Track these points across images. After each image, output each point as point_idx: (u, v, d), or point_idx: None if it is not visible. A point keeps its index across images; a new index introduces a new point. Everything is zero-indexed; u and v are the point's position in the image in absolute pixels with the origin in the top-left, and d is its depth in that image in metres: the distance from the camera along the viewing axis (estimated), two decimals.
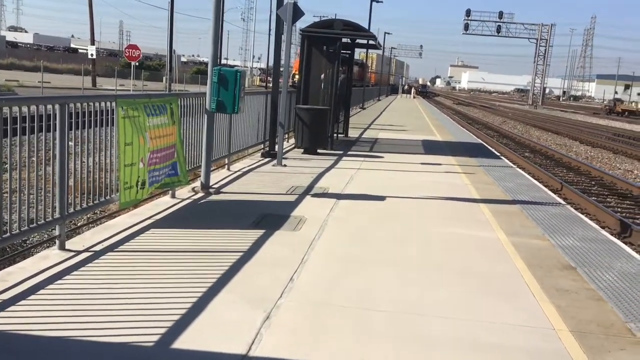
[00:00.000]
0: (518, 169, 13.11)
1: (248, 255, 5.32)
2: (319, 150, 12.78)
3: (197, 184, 8.08)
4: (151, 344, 3.53)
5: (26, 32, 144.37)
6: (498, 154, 16.13)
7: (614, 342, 4.04)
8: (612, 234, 8.02)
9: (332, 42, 13.33)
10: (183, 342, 3.57)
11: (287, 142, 13.71)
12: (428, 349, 3.75)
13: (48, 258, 4.90)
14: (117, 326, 3.71)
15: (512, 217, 7.64)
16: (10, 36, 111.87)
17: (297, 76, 25.47)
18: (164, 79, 46.77)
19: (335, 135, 14.68)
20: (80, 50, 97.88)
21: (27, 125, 4.68)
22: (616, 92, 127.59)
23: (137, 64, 36.81)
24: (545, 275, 5.35)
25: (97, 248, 5.23)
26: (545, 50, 76.91)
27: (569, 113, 67.42)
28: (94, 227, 6.24)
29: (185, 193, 7.72)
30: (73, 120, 5.21)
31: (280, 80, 11.95)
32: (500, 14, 75.26)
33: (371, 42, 15.70)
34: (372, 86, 52.72)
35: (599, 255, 6.14)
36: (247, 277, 4.77)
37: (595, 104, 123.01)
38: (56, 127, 4.98)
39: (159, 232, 5.90)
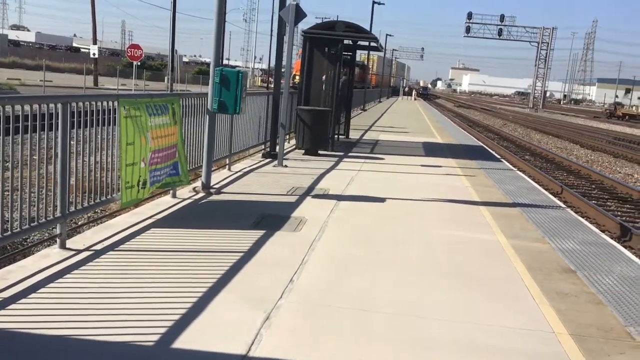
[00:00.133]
0: (518, 172, 13.12)
1: (248, 255, 5.33)
2: (319, 152, 12.78)
3: (198, 184, 8.08)
4: (151, 343, 3.53)
5: (28, 30, 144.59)
6: (498, 157, 16.14)
7: (613, 346, 4.04)
8: (612, 238, 8.02)
9: (334, 43, 13.35)
10: (183, 342, 3.57)
11: (288, 143, 13.72)
12: (427, 351, 3.76)
13: (49, 257, 4.90)
14: (117, 325, 3.71)
15: (513, 220, 7.65)
16: (13, 35, 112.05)
17: (297, 77, 25.46)
18: (166, 78, 46.78)
19: (336, 136, 14.69)
20: (82, 50, 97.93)
21: (29, 124, 4.69)
22: (617, 96, 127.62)
23: (139, 63, 36.87)
24: (545, 279, 5.35)
25: (98, 247, 5.24)
26: (547, 53, 76.92)
27: (570, 116, 67.44)
28: (94, 226, 6.24)
29: (186, 193, 7.73)
30: (75, 119, 5.22)
31: (281, 81, 11.97)
32: (502, 17, 75.23)
33: (373, 44, 15.70)
34: (373, 88, 52.74)
35: (599, 259, 6.15)
36: (247, 277, 4.78)
37: (596, 108, 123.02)
38: (58, 126, 4.99)
39: (160, 231, 5.91)
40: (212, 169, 8.41)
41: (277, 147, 11.27)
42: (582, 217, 9.22)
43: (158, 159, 6.40)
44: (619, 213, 11.86)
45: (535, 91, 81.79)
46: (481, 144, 20.19)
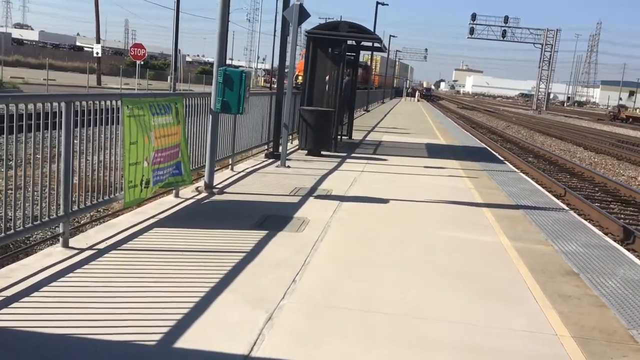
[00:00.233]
0: (521, 174, 13.10)
1: (251, 255, 5.33)
2: (322, 152, 12.78)
3: (201, 183, 8.09)
4: (153, 343, 3.53)
5: (32, 29, 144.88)
6: (502, 159, 16.12)
7: (616, 349, 4.03)
8: (615, 241, 8.00)
9: (338, 44, 13.35)
10: (185, 342, 3.57)
11: (291, 143, 13.72)
12: (430, 352, 3.75)
13: (51, 255, 4.91)
14: (119, 324, 3.71)
15: (515, 222, 7.63)
16: (16, 33, 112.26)
17: (300, 77, 25.43)
18: (169, 78, 46.84)
19: (339, 137, 14.68)
20: (85, 49, 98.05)
21: (32, 122, 4.69)
22: (620, 99, 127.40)
23: (142, 63, 36.90)
24: (548, 281, 5.34)
25: (101, 246, 5.24)
26: (550, 55, 76.85)
27: (573, 119, 67.35)
28: (97, 225, 6.25)
29: (188, 193, 7.73)
30: (79, 118, 5.22)
31: (285, 82, 11.96)
32: (506, 19, 75.16)
33: (376, 44, 15.71)
34: (376, 89, 52.72)
35: (602, 262, 6.13)
36: (250, 277, 4.78)
37: (600, 110, 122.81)
38: (62, 124, 5.00)
39: (162, 231, 5.91)
40: (215, 168, 8.41)
41: (280, 148, 11.27)
42: (585, 220, 9.20)
43: (161, 158, 6.40)
44: (622, 216, 11.83)
45: (539, 93, 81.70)
46: (484, 145, 20.17)
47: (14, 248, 6.96)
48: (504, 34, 75.28)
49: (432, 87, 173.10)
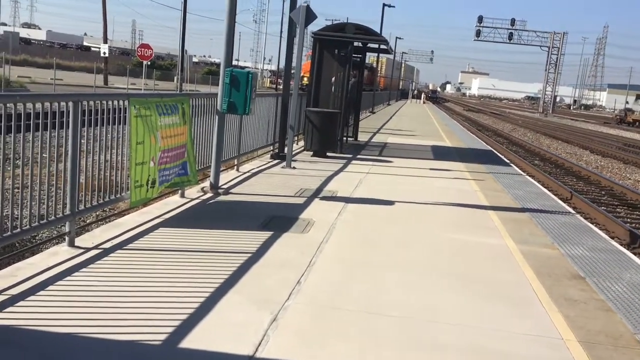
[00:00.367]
0: (528, 177, 13.06)
1: (256, 256, 5.33)
2: (328, 154, 12.78)
3: (207, 184, 8.10)
4: (158, 342, 3.53)
5: (39, 29, 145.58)
6: (508, 162, 16.08)
7: (622, 354, 4.01)
8: (621, 245, 7.97)
9: (344, 45, 13.35)
10: (190, 342, 3.57)
11: (297, 144, 13.73)
12: (434, 355, 3.74)
13: (57, 254, 4.92)
14: (125, 324, 3.72)
15: (521, 225, 7.61)
16: (24, 33, 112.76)
17: (305, 79, 25.40)
18: (175, 78, 46.98)
19: (344, 138, 14.68)
20: (92, 49, 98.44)
21: (40, 121, 4.71)
22: (627, 102, 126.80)
23: (149, 63, 37.01)
24: (554, 284, 5.32)
25: (107, 245, 5.25)
26: (557, 58, 76.62)
27: (580, 122, 67.12)
28: (103, 224, 6.26)
29: (194, 193, 7.74)
30: (86, 117, 5.24)
31: (291, 83, 11.97)
32: (513, 21, 75.01)
33: (383, 46, 15.69)
34: (382, 91, 52.69)
35: (608, 266, 6.10)
36: (255, 278, 4.78)
37: (606, 114, 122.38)
38: (69, 124, 5.01)
39: (168, 231, 5.92)
40: (221, 169, 8.42)
41: (286, 149, 11.27)
42: (592, 223, 9.17)
43: (167, 158, 6.41)
44: (629, 220, 11.78)
45: (545, 96, 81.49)
46: (490, 148, 20.12)
47: (20, 247, 6.99)
48: (510, 36, 75.12)
49: (438, 89, 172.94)
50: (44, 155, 4.84)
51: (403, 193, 9.13)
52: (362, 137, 17.70)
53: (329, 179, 9.83)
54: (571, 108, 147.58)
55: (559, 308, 4.74)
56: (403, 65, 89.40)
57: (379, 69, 52.46)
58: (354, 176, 10.40)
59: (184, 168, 7.04)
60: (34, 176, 4.78)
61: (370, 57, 44.71)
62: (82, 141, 5.24)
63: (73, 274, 4.51)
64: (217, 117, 7.90)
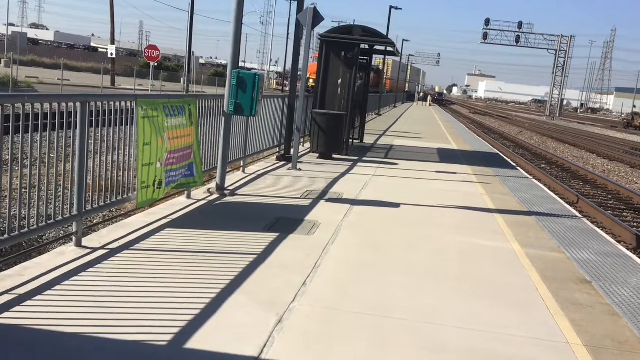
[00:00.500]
0: (534, 180, 13.02)
1: (262, 258, 5.33)
2: (334, 155, 12.79)
3: (213, 185, 8.12)
4: (164, 343, 3.54)
5: (47, 29, 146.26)
6: (514, 165, 16.04)
7: (628, 358, 3.99)
8: (628, 249, 7.94)
9: (351, 47, 13.35)
10: (196, 342, 3.58)
11: (303, 146, 13.74)
12: (440, 358, 3.73)
13: (64, 254, 4.94)
14: (131, 324, 3.73)
15: (528, 229, 7.59)
16: (32, 33, 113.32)
17: (311, 80, 25.39)
18: (182, 80, 47.10)
19: (350, 140, 14.69)
20: (100, 49, 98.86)
21: (48, 122, 4.73)
22: (634, 106, 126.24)
23: (156, 64, 37.11)
24: (560, 288, 5.30)
25: (113, 246, 5.27)
26: (564, 61, 76.37)
27: (587, 125, 66.90)
28: (110, 225, 6.29)
29: (200, 194, 7.76)
30: (94, 118, 5.26)
31: (297, 84, 11.99)
32: (520, 24, 74.81)
33: (389, 48, 15.69)
34: (388, 93, 52.68)
35: (614, 270, 6.08)
36: (260, 279, 4.78)
37: (613, 117, 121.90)
38: (76, 124, 5.03)
39: (174, 232, 5.93)
40: (227, 170, 8.44)
41: (292, 150, 11.28)
42: (598, 227, 9.14)
43: (174, 159, 6.43)
44: (635, 224, 11.73)
45: (552, 99, 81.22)
46: (497, 151, 20.08)
47: (27, 246, 7.02)
48: (517, 39, 74.90)
49: (444, 91, 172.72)
50: (51, 155, 4.86)
51: (409, 195, 9.13)
52: (368, 140, 17.70)
53: (335, 181, 9.84)
54: (578, 111, 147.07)
55: (565, 312, 4.73)
56: (409, 67, 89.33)
57: (385, 71, 52.46)
58: (360, 178, 10.40)
59: (190, 169, 7.06)
60: (41, 176, 4.80)
61: (377, 59, 44.78)
62: (90, 142, 5.27)
63: (80, 274, 4.53)
64: (223, 118, 7.92)
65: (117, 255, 5.03)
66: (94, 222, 7.77)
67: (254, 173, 9.99)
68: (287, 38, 62.37)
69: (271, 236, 6.05)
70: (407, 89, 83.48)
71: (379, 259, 5.69)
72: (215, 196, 7.75)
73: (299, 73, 12.69)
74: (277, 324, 3.97)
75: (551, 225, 7.98)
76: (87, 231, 5.99)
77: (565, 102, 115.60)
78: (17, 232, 4.49)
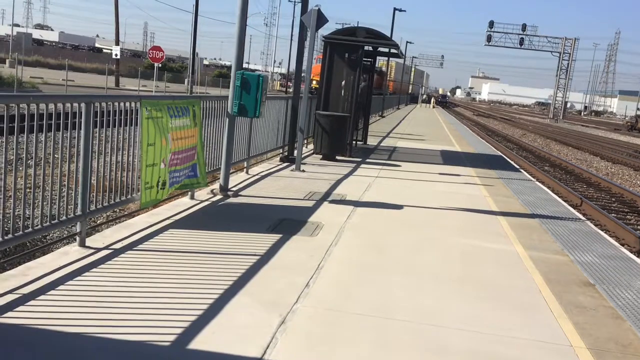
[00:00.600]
0: (537, 183, 13.00)
1: (265, 259, 5.34)
2: (337, 157, 12.79)
3: (216, 186, 8.13)
4: (167, 343, 3.55)
5: (52, 30, 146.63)
6: (517, 167, 16.02)
7: None
8: (631, 252, 7.92)
9: (355, 49, 13.36)
10: (199, 343, 3.59)
11: (306, 147, 13.75)
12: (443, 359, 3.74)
13: (68, 254, 4.95)
14: (134, 324, 3.74)
15: (531, 231, 7.58)
16: (37, 34, 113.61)
17: (314, 82, 25.36)
18: (186, 81, 47.17)
19: (354, 142, 14.69)
20: (104, 50, 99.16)
21: (52, 122, 4.75)
22: (638, 109, 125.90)
23: (160, 65, 37.16)
24: (564, 291, 5.29)
25: (117, 246, 5.28)
26: (568, 64, 76.24)
27: (590, 128, 66.77)
28: (113, 225, 6.30)
29: (204, 195, 7.77)
30: (98, 119, 5.27)
31: (301, 86, 11.99)
32: (524, 27, 74.75)
33: (393, 50, 15.69)
34: (391, 95, 52.67)
35: (618, 273, 6.07)
36: (263, 280, 4.79)
37: (617, 120, 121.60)
38: (81, 125, 5.05)
39: (178, 232, 5.94)
40: (230, 171, 8.45)
41: (295, 152, 11.29)
42: (602, 230, 9.12)
43: (178, 160, 6.44)
44: (639, 227, 11.70)
45: (556, 102, 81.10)
46: (500, 153, 20.06)
47: (31, 246, 7.03)
48: (521, 42, 74.84)
49: (448, 93, 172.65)
50: (56, 155, 4.88)
51: (412, 197, 9.13)
52: (372, 141, 17.70)
53: (338, 183, 9.84)
54: (582, 114, 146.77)
55: (569, 315, 4.72)
56: (413, 69, 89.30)
57: (388, 73, 52.45)
58: (363, 180, 10.40)
59: (194, 170, 7.07)
60: (46, 176, 4.82)
61: (380, 61, 44.77)
62: (94, 142, 5.28)
63: (83, 274, 4.54)
64: (227, 119, 7.93)
65: (120, 256, 5.04)
66: (98, 222, 7.79)
67: (257, 174, 10.00)
68: (291, 39, 62.41)
69: (274, 237, 6.06)
70: (410, 91, 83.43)
71: (382, 261, 5.69)
72: (218, 197, 7.76)
73: (302, 74, 12.69)
74: (280, 325, 3.97)
75: (554, 227, 7.97)
76: (90, 231, 6.00)
77: (569, 105, 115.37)
78: (21, 232, 4.50)
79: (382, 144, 17.77)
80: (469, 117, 66.43)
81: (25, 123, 4.41)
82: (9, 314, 3.73)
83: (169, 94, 27.42)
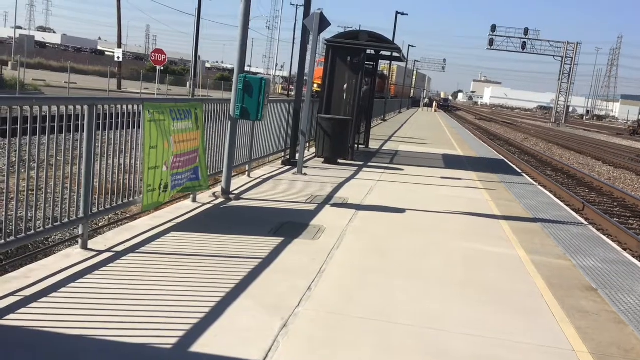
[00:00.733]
0: (539, 187, 12.99)
1: (267, 262, 5.34)
2: (339, 160, 12.79)
3: (218, 189, 8.13)
4: (169, 346, 3.55)
5: (54, 32, 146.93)
6: (519, 171, 16.01)
7: None
8: (634, 256, 7.90)
9: (357, 53, 13.37)
10: (200, 346, 3.58)
11: (308, 151, 13.75)
12: None
13: (70, 257, 4.95)
14: (135, 327, 3.74)
15: (533, 235, 7.57)
16: (39, 36, 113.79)
17: (316, 85, 25.36)
18: (188, 84, 47.24)
19: (356, 145, 14.69)
20: (107, 53, 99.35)
21: (55, 124, 4.75)
22: None
23: (162, 68, 37.22)
24: (566, 296, 5.28)
25: (119, 249, 5.28)
26: (570, 68, 76.25)
27: (592, 132, 66.72)
28: (115, 227, 6.30)
29: (206, 198, 7.77)
30: (100, 121, 5.28)
31: (304, 89, 12.00)
32: (526, 31, 74.81)
33: (395, 54, 15.70)
34: (393, 98, 52.67)
35: (620, 278, 6.06)
36: (265, 284, 4.78)
37: (619, 124, 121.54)
38: (84, 127, 5.05)
39: (179, 235, 5.94)
40: (232, 174, 8.45)
41: (297, 155, 11.29)
42: (604, 235, 9.10)
43: (180, 163, 6.45)
44: None
45: (558, 106, 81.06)
46: (502, 157, 20.05)
47: (33, 248, 7.04)
48: (523, 46, 74.89)
49: (450, 97, 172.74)
50: (58, 158, 4.88)
51: (414, 201, 9.12)
52: (374, 145, 17.70)
53: (340, 186, 9.84)
54: (584, 118, 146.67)
55: (571, 319, 4.71)
56: (415, 73, 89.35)
57: (390, 77, 52.46)
58: (365, 183, 10.40)
59: (196, 173, 7.08)
60: (48, 178, 4.82)
61: (382, 65, 44.75)
62: (96, 144, 5.28)
63: (85, 277, 4.54)
64: (229, 122, 7.93)
65: (122, 258, 5.04)
66: (100, 224, 7.79)
67: (259, 177, 10.00)
68: (293, 43, 62.50)
69: (276, 240, 6.05)
70: (412, 95, 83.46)
71: (384, 264, 5.69)
72: (220, 200, 7.77)
73: (305, 78, 12.70)
74: (282, 329, 3.97)
75: (557, 232, 7.95)
76: (92, 234, 6.01)
77: (571, 109, 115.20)
78: (23, 234, 4.51)
79: (384, 148, 17.77)
80: (470, 121, 66.42)
81: (28, 125, 4.41)
82: (11, 316, 3.73)
83: (171, 97, 27.48)
